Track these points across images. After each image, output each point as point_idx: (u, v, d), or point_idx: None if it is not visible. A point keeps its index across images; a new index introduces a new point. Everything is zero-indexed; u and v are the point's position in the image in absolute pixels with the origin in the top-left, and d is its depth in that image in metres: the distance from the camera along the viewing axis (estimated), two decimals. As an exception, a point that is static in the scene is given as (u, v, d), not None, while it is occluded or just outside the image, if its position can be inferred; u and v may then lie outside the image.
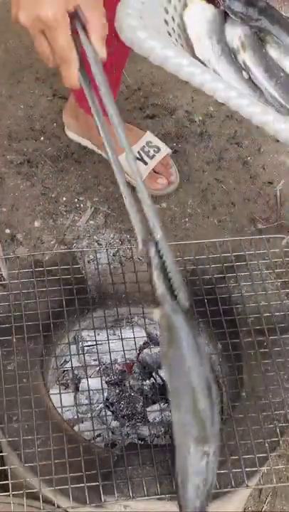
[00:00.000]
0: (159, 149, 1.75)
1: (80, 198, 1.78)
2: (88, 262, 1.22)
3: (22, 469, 1.02)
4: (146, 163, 1.74)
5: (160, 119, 1.91)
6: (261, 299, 1.18)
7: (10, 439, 1.03)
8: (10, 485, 1.01)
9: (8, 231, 1.71)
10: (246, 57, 0.90)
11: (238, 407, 1.08)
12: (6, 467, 1.04)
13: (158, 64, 0.78)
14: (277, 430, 1.06)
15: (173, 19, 0.89)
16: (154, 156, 1.74)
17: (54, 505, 0.99)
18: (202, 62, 0.88)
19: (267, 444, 1.04)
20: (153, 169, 1.75)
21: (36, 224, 1.73)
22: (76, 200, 1.78)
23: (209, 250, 1.22)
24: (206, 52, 0.88)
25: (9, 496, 1.01)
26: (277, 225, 1.77)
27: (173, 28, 0.89)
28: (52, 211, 1.75)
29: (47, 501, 1.00)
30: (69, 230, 1.72)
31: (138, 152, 1.75)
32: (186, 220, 1.77)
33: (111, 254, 1.25)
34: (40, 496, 1.00)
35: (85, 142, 1.83)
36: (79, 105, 1.73)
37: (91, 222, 1.74)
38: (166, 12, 0.88)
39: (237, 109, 0.80)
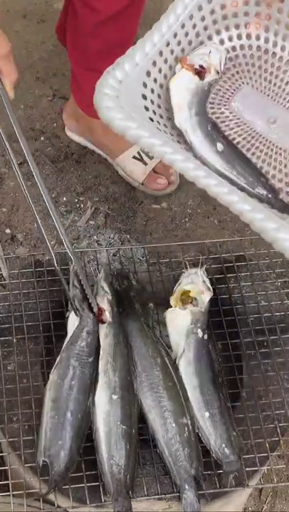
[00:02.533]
0: (159, 149, 1.75)
1: (80, 198, 1.78)
2: (88, 262, 1.22)
3: (22, 469, 1.02)
4: (146, 164, 1.74)
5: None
6: (261, 298, 1.18)
7: (10, 440, 1.03)
8: (10, 485, 1.01)
9: (8, 231, 1.71)
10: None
11: (238, 407, 1.08)
12: (6, 467, 1.04)
13: (133, 142, 0.85)
14: (278, 430, 1.06)
15: (152, 91, 0.94)
16: (154, 156, 1.73)
17: (54, 505, 0.99)
18: (180, 131, 0.94)
19: (267, 444, 1.05)
20: (153, 169, 1.75)
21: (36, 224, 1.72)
22: (76, 200, 1.77)
23: (209, 250, 1.22)
24: (184, 123, 0.94)
25: (9, 495, 1.01)
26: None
27: (152, 100, 0.94)
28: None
29: (47, 501, 1.00)
30: (69, 230, 1.72)
31: (138, 152, 1.75)
32: (187, 220, 1.77)
33: (111, 254, 1.25)
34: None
35: (85, 142, 1.83)
36: (79, 107, 1.74)
37: (91, 222, 1.74)
38: (145, 86, 0.93)
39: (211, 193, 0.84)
